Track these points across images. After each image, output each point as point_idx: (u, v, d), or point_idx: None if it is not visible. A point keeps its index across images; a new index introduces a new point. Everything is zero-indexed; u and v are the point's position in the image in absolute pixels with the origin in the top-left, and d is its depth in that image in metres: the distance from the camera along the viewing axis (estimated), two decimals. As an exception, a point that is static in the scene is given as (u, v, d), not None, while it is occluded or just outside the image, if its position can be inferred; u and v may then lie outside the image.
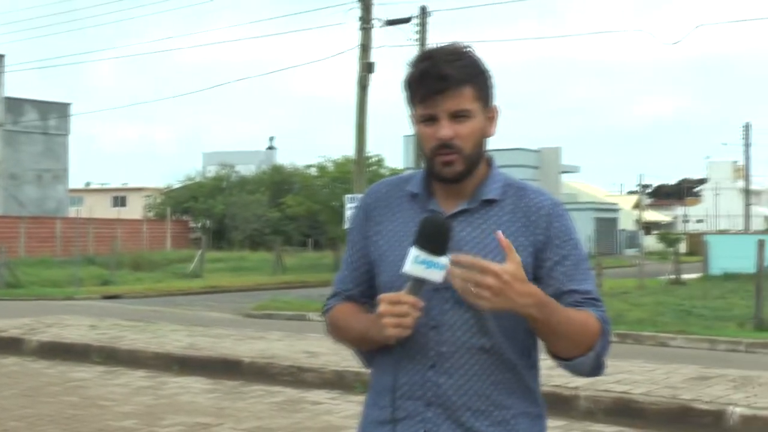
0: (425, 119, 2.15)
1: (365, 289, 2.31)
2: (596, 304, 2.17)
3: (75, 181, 60.37)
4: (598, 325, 2.13)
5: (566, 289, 2.16)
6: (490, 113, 2.21)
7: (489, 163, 2.25)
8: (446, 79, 2.10)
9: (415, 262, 2.01)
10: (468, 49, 2.18)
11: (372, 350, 2.26)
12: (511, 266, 1.98)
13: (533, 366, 2.25)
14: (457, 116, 2.12)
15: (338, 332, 2.33)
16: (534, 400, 2.23)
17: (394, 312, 2.02)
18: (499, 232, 2.06)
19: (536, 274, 2.17)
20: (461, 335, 2.13)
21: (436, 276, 2.01)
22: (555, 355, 2.16)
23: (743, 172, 64.22)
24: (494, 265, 1.96)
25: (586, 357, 2.12)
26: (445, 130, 2.11)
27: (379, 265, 2.25)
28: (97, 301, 20.88)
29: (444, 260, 2.00)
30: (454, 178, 2.16)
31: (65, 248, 36.67)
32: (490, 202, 2.19)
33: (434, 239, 2.02)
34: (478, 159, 2.19)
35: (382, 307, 2.04)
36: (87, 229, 38.82)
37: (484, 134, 2.19)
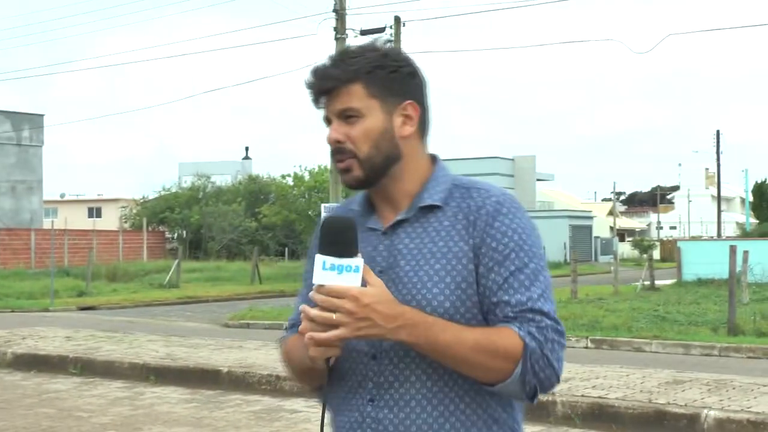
0: (325, 123, 2.00)
1: None
2: (533, 317, 1.84)
3: (49, 193, 59.94)
4: (518, 344, 1.81)
5: (496, 300, 1.86)
6: (403, 110, 1.97)
7: (434, 161, 2.04)
8: (331, 78, 1.94)
9: (324, 269, 1.78)
10: (379, 46, 2.00)
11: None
12: (373, 289, 1.78)
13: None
14: (346, 117, 1.94)
15: (290, 366, 2.08)
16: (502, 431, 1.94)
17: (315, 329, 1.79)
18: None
19: (478, 282, 1.91)
20: (399, 362, 1.89)
21: (352, 280, 1.78)
22: (474, 380, 1.90)
23: (715, 179, 64.77)
24: (353, 289, 1.76)
25: (506, 383, 1.83)
26: (332, 132, 1.95)
27: None
28: (72, 313, 20.75)
29: (357, 261, 1.79)
30: (353, 185, 1.97)
31: (40, 260, 36.42)
32: (431, 208, 1.96)
33: (338, 240, 1.81)
34: (383, 163, 1.95)
35: (302, 325, 1.81)
36: (62, 240, 38.57)
37: (389, 134, 1.95)
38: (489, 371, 1.82)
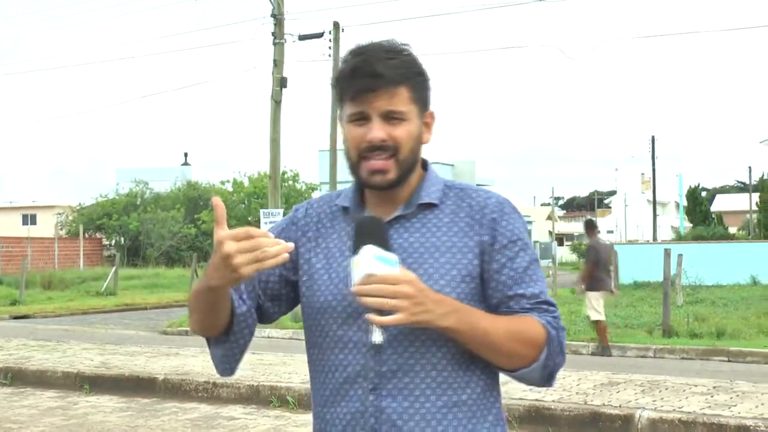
0: (355, 118, 1.96)
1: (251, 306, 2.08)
2: (547, 308, 1.98)
3: (-19, 200, 58.55)
4: (542, 332, 1.93)
5: (512, 293, 1.97)
6: (426, 118, 2.04)
7: (425, 166, 2.09)
8: (379, 77, 1.92)
9: (376, 259, 1.80)
10: (405, 47, 2.00)
11: (228, 334, 2.07)
12: (415, 276, 1.83)
13: (496, 384, 2.05)
14: (390, 118, 1.94)
15: (192, 316, 2.12)
16: (497, 423, 2.03)
17: (244, 249, 1.75)
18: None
19: (482, 277, 1.98)
20: (403, 351, 1.92)
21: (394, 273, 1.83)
22: (497, 367, 1.98)
23: (650, 183, 65.87)
24: (408, 274, 1.81)
25: (530, 369, 1.93)
26: (376, 131, 1.93)
27: (310, 286, 2.04)
28: (5, 322, 20.29)
29: (395, 256, 1.84)
30: (382, 187, 1.98)
31: (-28, 268, 35.57)
32: (428, 206, 2.02)
33: (377, 235, 1.85)
34: (412, 166, 2.01)
35: (227, 247, 1.76)
36: (-5, 248, 37.74)
37: (419, 140, 2.01)
38: (516, 357, 1.92)
